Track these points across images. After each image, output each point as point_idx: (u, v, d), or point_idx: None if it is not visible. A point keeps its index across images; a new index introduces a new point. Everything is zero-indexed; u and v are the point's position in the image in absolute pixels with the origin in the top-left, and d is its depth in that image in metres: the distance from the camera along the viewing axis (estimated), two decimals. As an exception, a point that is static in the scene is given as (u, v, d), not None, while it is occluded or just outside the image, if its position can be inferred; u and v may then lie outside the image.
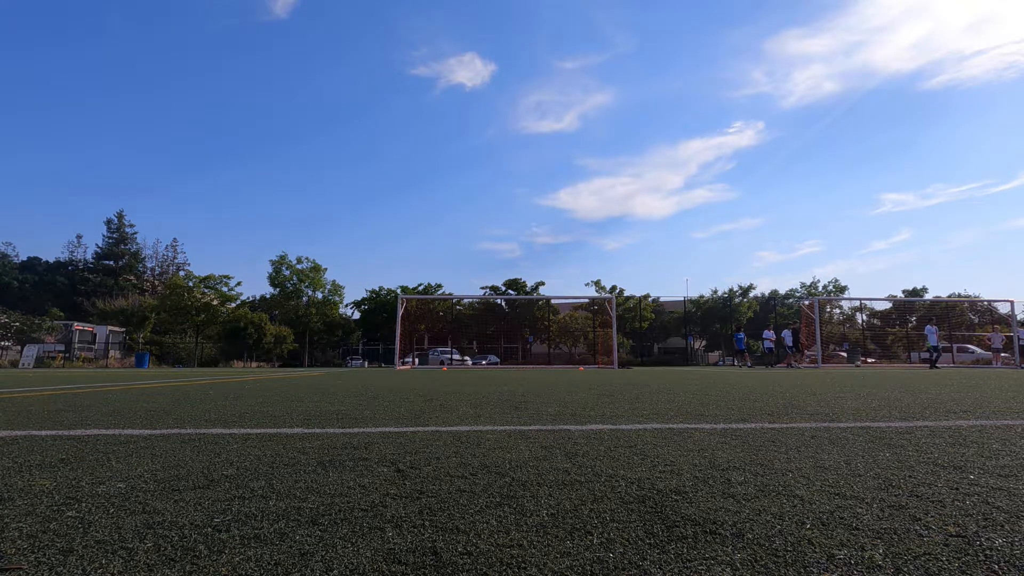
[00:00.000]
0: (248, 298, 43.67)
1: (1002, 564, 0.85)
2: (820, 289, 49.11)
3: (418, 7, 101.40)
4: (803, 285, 50.22)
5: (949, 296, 45.51)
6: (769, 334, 22.91)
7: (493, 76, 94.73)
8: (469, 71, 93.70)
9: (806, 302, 27.41)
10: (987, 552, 0.89)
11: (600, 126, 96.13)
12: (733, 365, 28.95)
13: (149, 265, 59.73)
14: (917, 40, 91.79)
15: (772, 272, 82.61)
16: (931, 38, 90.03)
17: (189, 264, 59.86)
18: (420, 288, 45.81)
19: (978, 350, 28.46)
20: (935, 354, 18.11)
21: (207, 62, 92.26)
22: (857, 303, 43.14)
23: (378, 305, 45.84)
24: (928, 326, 18.77)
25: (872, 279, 76.32)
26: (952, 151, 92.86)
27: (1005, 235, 75.95)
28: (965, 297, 47.55)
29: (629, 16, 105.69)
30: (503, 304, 45.79)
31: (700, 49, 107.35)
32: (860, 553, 0.89)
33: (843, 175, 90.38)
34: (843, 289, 49.63)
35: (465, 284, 79.48)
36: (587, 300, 41.06)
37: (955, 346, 28.53)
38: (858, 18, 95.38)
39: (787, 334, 22.44)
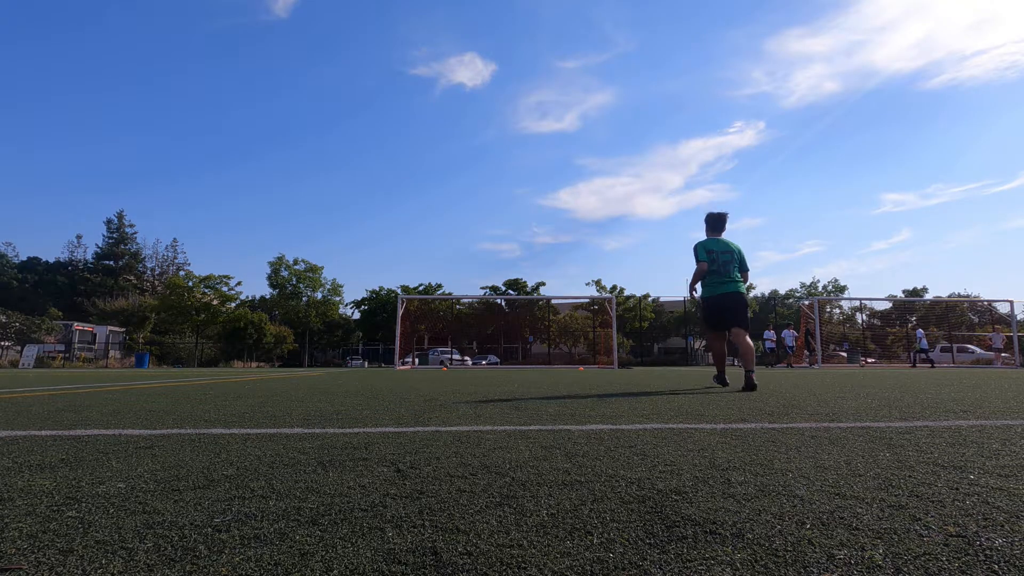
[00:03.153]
0: (248, 296, 43.63)
1: (1002, 564, 0.85)
2: (819, 289, 49.08)
3: (418, 7, 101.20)
4: (803, 285, 50.27)
5: (949, 296, 45.52)
6: (770, 334, 22.86)
7: (494, 76, 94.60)
8: (470, 71, 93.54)
9: (806, 302, 27.38)
10: (987, 552, 0.89)
11: (601, 126, 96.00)
12: (733, 364, 28.75)
13: (149, 265, 59.65)
14: (918, 40, 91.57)
15: (772, 272, 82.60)
16: (932, 38, 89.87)
17: (189, 264, 59.83)
18: (420, 288, 45.77)
19: (978, 350, 28.46)
20: (923, 354, 18.84)
21: (207, 61, 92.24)
22: (857, 303, 43.14)
23: (378, 305, 45.84)
24: (918, 331, 19.73)
25: (872, 279, 76.29)
26: (953, 151, 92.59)
27: (1005, 235, 75.80)
28: (965, 297, 47.56)
29: (630, 15, 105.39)
30: (503, 304, 45.76)
31: (701, 48, 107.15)
32: (860, 553, 0.89)
33: (844, 175, 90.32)
34: (842, 289, 49.64)
35: (466, 284, 79.38)
36: (587, 300, 41.04)
37: (955, 346, 28.50)
38: (859, 17, 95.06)
39: (787, 334, 22.42)
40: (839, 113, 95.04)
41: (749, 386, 4.76)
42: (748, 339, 5.20)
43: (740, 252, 5.38)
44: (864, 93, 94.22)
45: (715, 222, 5.51)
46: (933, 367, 18.14)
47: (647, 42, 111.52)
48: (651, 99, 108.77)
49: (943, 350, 19.71)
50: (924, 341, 19.75)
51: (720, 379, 5.40)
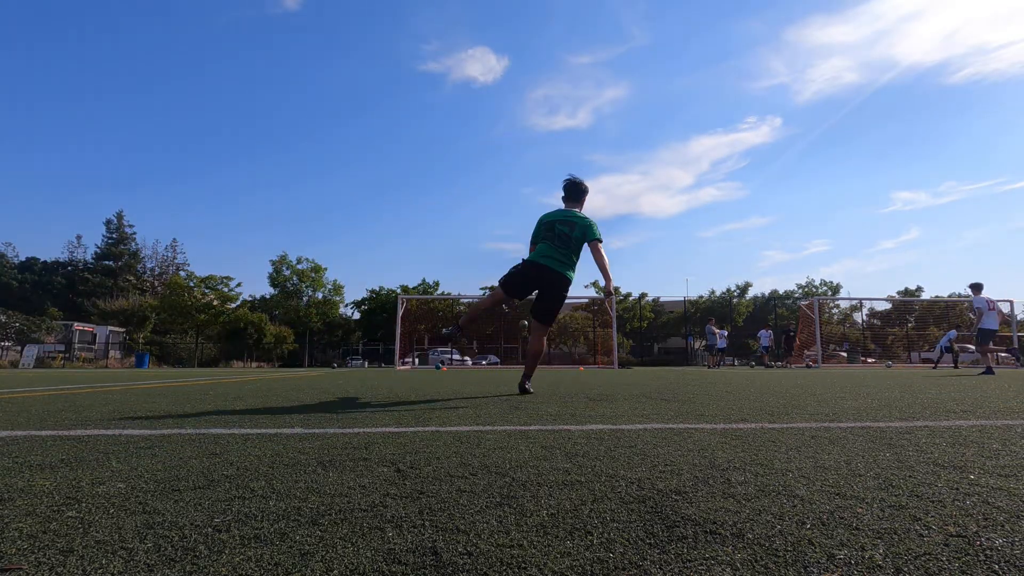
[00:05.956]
0: (249, 297, 43.63)
1: (1002, 564, 0.85)
2: (816, 288, 49.13)
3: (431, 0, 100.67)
4: (799, 286, 50.36)
5: (949, 296, 45.50)
6: (765, 333, 22.81)
7: (506, 71, 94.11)
8: (481, 66, 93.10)
9: (804, 302, 27.39)
10: (987, 552, 0.89)
11: (612, 122, 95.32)
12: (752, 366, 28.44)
13: (149, 265, 59.59)
14: (942, 31, 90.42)
15: (778, 272, 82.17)
16: (957, 30, 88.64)
17: (189, 264, 59.78)
18: (418, 287, 45.80)
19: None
20: (944, 354, 18.62)
21: (212, 57, 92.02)
22: (856, 302, 43.16)
23: (378, 305, 45.85)
24: (951, 331, 19.50)
25: (879, 278, 75.88)
26: (971, 147, 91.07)
27: (1015, 234, 75.25)
28: (965, 297, 47.55)
29: (647, 5, 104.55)
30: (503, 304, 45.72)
31: (718, 38, 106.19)
32: (860, 553, 0.89)
33: (855, 173, 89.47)
34: (837, 288, 49.73)
35: (472, 285, 79.01)
36: (587, 300, 41.05)
37: (956, 346, 28.47)
38: (885, 6, 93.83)
39: (764, 334, 22.35)
40: (854, 107, 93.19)
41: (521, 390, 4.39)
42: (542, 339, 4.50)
43: (586, 226, 4.33)
44: (884, 88, 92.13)
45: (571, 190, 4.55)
46: (935, 367, 18.10)
47: (662, 33, 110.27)
48: (665, 93, 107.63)
49: (945, 350, 19.53)
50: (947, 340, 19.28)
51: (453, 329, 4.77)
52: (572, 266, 4.34)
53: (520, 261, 4.46)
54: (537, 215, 4.60)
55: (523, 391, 4.37)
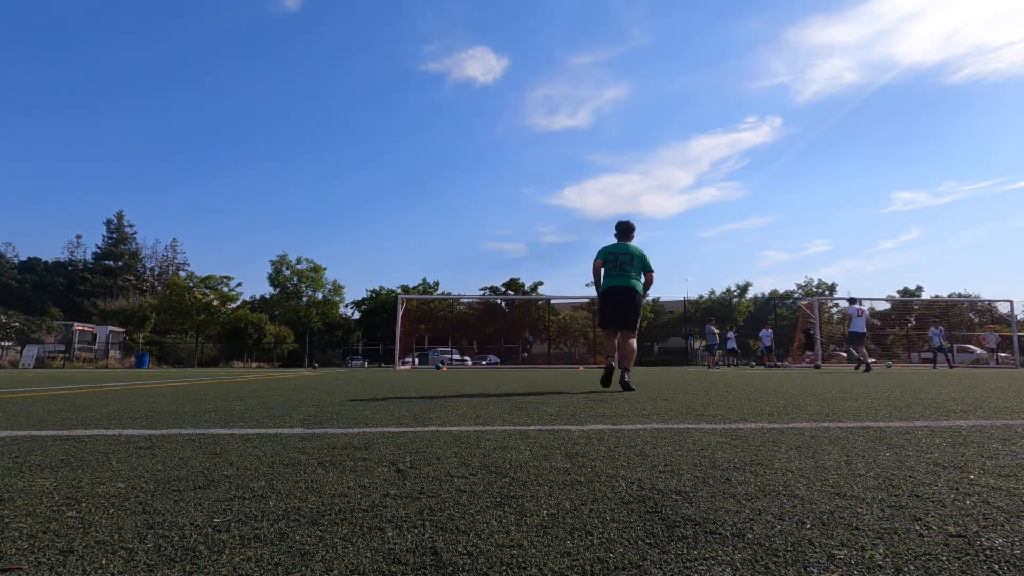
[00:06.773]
0: (250, 297, 43.61)
1: (1002, 564, 0.85)
2: (814, 289, 49.15)
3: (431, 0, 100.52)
4: (798, 285, 50.38)
5: (949, 296, 45.49)
6: (767, 333, 22.82)
7: (506, 71, 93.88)
8: (481, 66, 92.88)
9: (804, 302, 27.36)
10: (987, 552, 0.89)
11: (613, 122, 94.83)
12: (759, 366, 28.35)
13: (149, 265, 59.53)
14: (942, 31, 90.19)
15: (778, 272, 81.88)
16: (957, 29, 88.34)
17: (189, 264, 59.70)
18: (419, 287, 45.77)
19: (978, 350, 28.46)
20: (937, 354, 18.56)
21: (211, 59, 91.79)
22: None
23: (378, 305, 45.81)
24: (932, 328, 19.45)
25: (879, 278, 75.65)
26: (970, 147, 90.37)
27: (1015, 234, 75.06)
28: (965, 297, 47.58)
29: (647, 6, 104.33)
30: (503, 304, 45.79)
31: (718, 38, 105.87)
32: (860, 553, 0.89)
33: (856, 173, 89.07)
34: (832, 288, 49.74)
35: (471, 285, 78.86)
36: (587, 300, 41.04)
37: (955, 346, 28.46)
38: (885, 6, 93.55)
39: (765, 334, 22.39)
40: (854, 107, 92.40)
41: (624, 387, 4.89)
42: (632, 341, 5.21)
43: (642, 255, 5.39)
44: (884, 88, 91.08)
45: (623, 229, 5.64)
46: (934, 367, 18.09)
47: (662, 33, 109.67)
48: (665, 93, 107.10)
49: (937, 350, 19.45)
50: (938, 338, 19.15)
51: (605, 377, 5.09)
52: (637, 279, 5.31)
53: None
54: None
55: (624, 386, 4.86)
